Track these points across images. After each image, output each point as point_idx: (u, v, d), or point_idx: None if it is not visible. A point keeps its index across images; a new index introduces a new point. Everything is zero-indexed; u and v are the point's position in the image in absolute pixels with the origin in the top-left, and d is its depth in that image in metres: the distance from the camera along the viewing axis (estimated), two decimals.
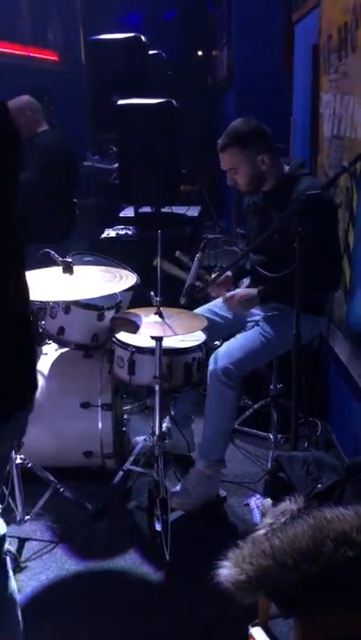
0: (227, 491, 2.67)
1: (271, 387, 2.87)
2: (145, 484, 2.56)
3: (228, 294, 2.53)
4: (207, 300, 2.74)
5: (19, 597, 2.10)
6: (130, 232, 4.27)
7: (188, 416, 2.86)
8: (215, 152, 2.52)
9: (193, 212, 4.73)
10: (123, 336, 2.37)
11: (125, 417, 2.96)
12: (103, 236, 4.24)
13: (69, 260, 2.24)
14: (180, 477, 2.62)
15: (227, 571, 1.47)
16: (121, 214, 4.63)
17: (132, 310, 2.38)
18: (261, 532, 1.59)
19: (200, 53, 9.16)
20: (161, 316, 2.19)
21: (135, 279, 2.26)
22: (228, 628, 1.99)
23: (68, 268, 2.20)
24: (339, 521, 1.42)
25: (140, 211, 4.25)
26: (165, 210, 4.31)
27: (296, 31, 3.74)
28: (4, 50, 9.56)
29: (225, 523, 2.53)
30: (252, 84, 5.83)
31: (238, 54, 6.34)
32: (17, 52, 9.71)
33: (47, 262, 2.48)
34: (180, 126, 4.39)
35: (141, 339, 2.29)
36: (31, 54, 10.03)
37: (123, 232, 4.30)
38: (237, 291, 2.57)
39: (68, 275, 2.20)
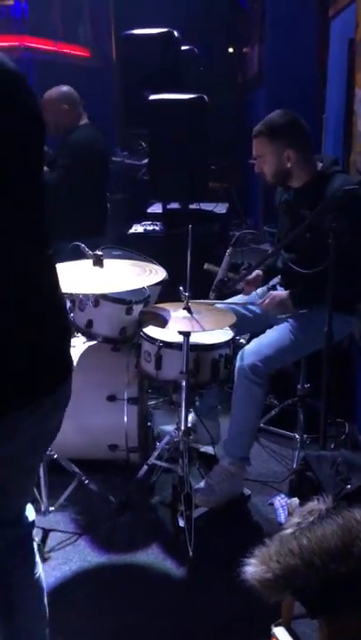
0: (251, 489, 2.65)
1: (299, 386, 2.84)
2: (169, 480, 2.56)
3: (263, 299, 2.52)
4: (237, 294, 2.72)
5: None
6: (157, 228, 4.26)
7: (214, 407, 2.85)
8: (243, 150, 2.52)
9: (221, 208, 4.70)
10: (150, 330, 2.37)
11: (150, 411, 2.96)
12: (131, 231, 4.25)
13: (99, 253, 2.24)
14: (204, 474, 2.61)
15: (253, 568, 1.46)
16: (149, 210, 4.63)
17: (160, 305, 2.38)
18: (289, 530, 1.58)
19: (231, 50, 9.12)
20: (190, 311, 2.18)
21: (164, 274, 2.25)
22: (250, 627, 1.97)
23: (98, 261, 2.20)
24: None
25: (168, 207, 4.24)
26: (193, 206, 4.31)
27: (332, 26, 3.69)
28: (35, 45, 9.63)
29: (249, 521, 2.51)
30: (284, 82, 5.78)
31: (270, 51, 6.29)
32: (48, 48, 9.78)
33: (77, 255, 2.49)
34: (210, 123, 4.36)
35: (169, 333, 2.28)
36: (62, 50, 10.08)
37: (150, 228, 4.30)
38: (272, 293, 2.56)
39: (98, 268, 2.20)
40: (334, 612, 1.41)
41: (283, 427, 3.02)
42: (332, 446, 2.75)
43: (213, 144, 6.89)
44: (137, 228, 4.30)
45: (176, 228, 3.97)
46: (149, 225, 4.33)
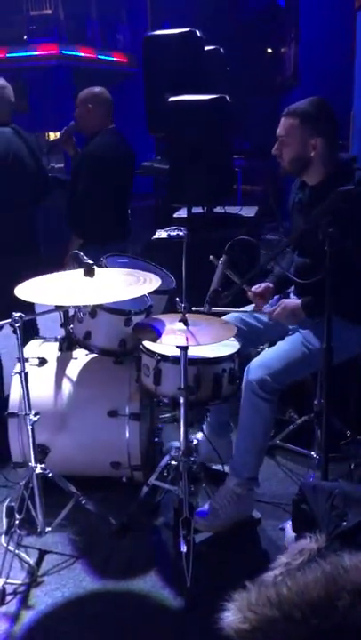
0: (262, 512, 2.48)
1: (315, 402, 2.65)
2: (175, 499, 2.42)
3: (274, 307, 2.34)
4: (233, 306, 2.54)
5: (31, 613, 2.03)
6: (181, 233, 4.12)
7: (226, 423, 2.68)
8: None
9: (249, 212, 4.53)
10: (149, 343, 2.23)
11: (160, 426, 2.83)
12: (154, 237, 4.14)
13: (90, 262, 2.12)
14: (212, 494, 2.46)
15: (231, 617, 1.31)
16: (175, 215, 4.52)
17: (156, 317, 2.24)
18: (275, 572, 1.41)
19: (269, 51, 8.93)
20: (186, 323, 2.04)
21: (158, 284, 2.11)
22: None
23: (88, 271, 2.08)
24: (358, 571, 1.22)
25: (194, 211, 4.11)
26: (218, 210, 4.16)
27: (358, 18, 3.49)
28: (73, 53, 9.67)
29: (256, 547, 2.34)
30: (319, 81, 5.58)
31: (305, 50, 6.10)
32: (87, 55, 9.81)
33: (78, 264, 2.39)
34: (245, 126, 4.19)
35: (168, 347, 2.14)
36: (100, 56, 10.10)
37: (174, 233, 4.17)
38: (283, 301, 2.38)
39: (89, 278, 2.08)
40: None
41: (300, 444, 2.83)
42: (352, 467, 2.55)
43: (249, 147, 6.70)
44: (160, 234, 4.19)
45: (198, 233, 3.84)
46: (173, 230, 4.21)
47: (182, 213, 4.38)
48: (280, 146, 2.35)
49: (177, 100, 3.70)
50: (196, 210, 4.07)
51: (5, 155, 2.96)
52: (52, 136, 7.16)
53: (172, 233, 4.18)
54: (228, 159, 4.06)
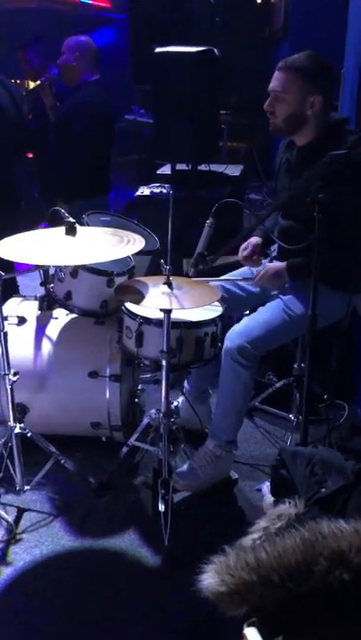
0: (239, 473, 2.51)
1: (295, 365, 2.66)
2: (154, 459, 2.44)
3: (258, 272, 2.31)
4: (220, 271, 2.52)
5: (10, 570, 2.06)
6: (164, 190, 4.05)
7: (205, 390, 2.70)
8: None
9: (234, 170, 4.45)
10: (132, 305, 2.20)
11: (140, 387, 2.82)
12: (137, 193, 4.06)
13: (71, 220, 2.06)
14: (191, 455, 2.48)
15: (208, 579, 1.32)
16: (158, 171, 4.42)
17: (140, 279, 2.20)
18: (253, 536, 1.43)
19: (259, 0, 8.62)
20: (170, 286, 2.01)
21: (142, 245, 2.06)
22: (220, 625, 1.85)
23: (70, 230, 2.02)
24: (336, 537, 1.23)
25: (178, 168, 4.01)
26: (203, 168, 4.07)
27: None
28: None
29: (233, 508, 2.38)
30: (309, 35, 5.39)
31: (296, 1, 5.88)
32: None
33: (58, 221, 2.32)
34: (231, 79, 4.06)
35: (151, 309, 2.12)
36: (83, 0, 9.65)
37: (157, 190, 4.10)
38: (267, 265, 2.35)
39: (70, 237, 2.03)
40: (293, 633, 1.27)
41: (279, 406, 2.85)
42: (330, 429, 2.59)
43: (235, 101, 6.53)
44: (144, 191, 4.11)
45: (183, 191, 3.77)
46: (157, 187, 4.13)
47: (166, 170, 4.28)
48: (273, 102, 2.22)
49: (163, 52, 3.56)
50: (180, 167, 3.97)
51: None
52: (32, 84, 6.91)
53: (155, 190, 4.11)
54: (216, 115, 3.94)
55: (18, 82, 5.11)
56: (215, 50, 3.69)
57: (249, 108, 6.02)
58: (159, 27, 4.05)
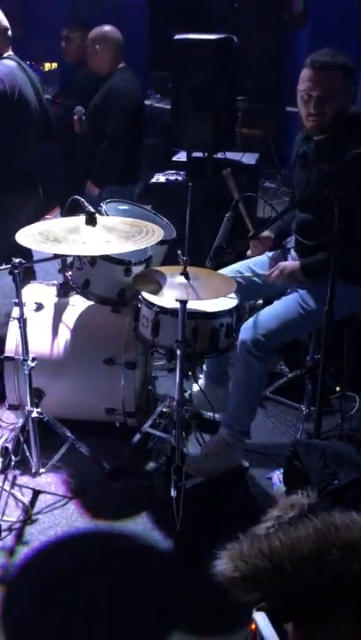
0: (250, 461, 2.56)
1: (308, 357, 2.69)
2: (167, 446, 2.48)
3: (272, 270, 2.33)
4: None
5: (25, 549, 2.12)
6: (180, 178, 4.05)
7: (224, 372, 2.72)
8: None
9: (250, 159, 4.43)
10: (149, 295, 2.23)
11: (154, 374, 2.86)
12: (152, 180, 4.05)
13: (91, 210, 2.08)
14: (203, 442, 2.52)
15: (222, 565, 1.37)
16: (174, 158, 4.40)
17: (157, 268, 2.23)
18: (266, 524, 1.47)
19: None
20: (187, 277, 2.03)
21: (161, 236, 2.09)
22: (231, 610, 1.90)
23: (91, 220, 2.05)
24: (348, 529, 1.27)
25: (193, 155, 4.01)
26: (219, 156, 4.07)
27: None
28: None
29: (243, 495, 2.43)
30: (329, 19, 5.32)
31: None
32: None
33: (78, 210, 2.35)
34: (247, 66, 4.03)
35: (168, 299, 2.14)
36: None
37: (173, 177, 4.09)
38: (281, 264, 2.37)
39: (90, 227, 2.05)
40: (304, 620, 1.31)
41: (291, 397, 2.89)
42: (340, 421, 2.62)
43: (251, 88, 6.47)
44: (159, 178, 4.10)
45: (198, 179, 3.77)
46: (172, 174, 4.13)
47: (182, 157, 4.27)
48: (322, 102, 2.17)
49: (183, 39, 3.56)
50: (196, 154, 3.97)
51: (12, 91, 2.85)
52: (48, 66, 6.89)
53: (170, 177, 4.11)
54: (233, 103, 3.94)
55: (32, 64, 5.12)
56: (234, 38, 3.67)
57: (264, 94, 5.98)
58: (177, 12, 4.02)
